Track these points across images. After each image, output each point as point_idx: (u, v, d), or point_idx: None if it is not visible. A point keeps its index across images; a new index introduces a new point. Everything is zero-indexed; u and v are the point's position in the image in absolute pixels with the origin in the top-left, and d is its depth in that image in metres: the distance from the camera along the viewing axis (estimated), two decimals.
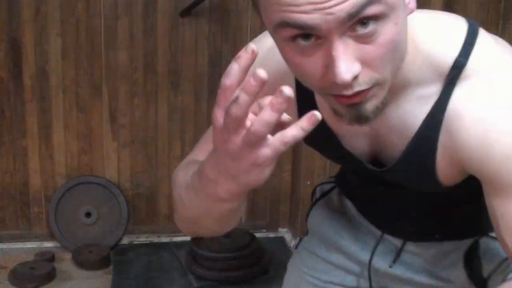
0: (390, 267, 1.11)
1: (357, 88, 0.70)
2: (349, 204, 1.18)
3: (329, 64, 0.67)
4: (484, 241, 1.00)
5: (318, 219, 1.24)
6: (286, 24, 0.66)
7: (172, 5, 2.64)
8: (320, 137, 0.89)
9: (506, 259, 0.96)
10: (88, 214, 2.77)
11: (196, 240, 2.54)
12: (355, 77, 0.68)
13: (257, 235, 2.68)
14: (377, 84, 0.72)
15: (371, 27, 0.67)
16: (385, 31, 0.68)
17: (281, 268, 2.55)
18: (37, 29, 2.59)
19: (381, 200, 1.08)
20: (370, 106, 0.73)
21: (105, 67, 2.68)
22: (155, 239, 2.87)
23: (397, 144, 0.86)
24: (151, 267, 2.58)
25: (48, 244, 2.78)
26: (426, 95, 0.81)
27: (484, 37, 0.82)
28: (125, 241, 2.83)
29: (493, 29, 2.84)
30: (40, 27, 2.59)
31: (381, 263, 1.13)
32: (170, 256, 2.68)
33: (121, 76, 2.70)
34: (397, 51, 0.71)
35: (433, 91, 0.81)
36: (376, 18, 0.66)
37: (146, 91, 2.74)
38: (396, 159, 0.87)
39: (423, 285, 1.10)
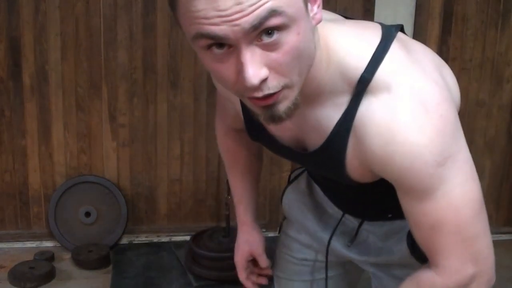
0: (348, 246, 1.23)
1: (266, 91, 0.78)
2: (316, 187, 1.31)
3: (240, 70, 0.76)
4: None
5: (289, 202, 1.38)
6: (200, 35, 0.75)
7: None
8: (260, 134, 1.07)
9: None
10: (87, 214, 2.77)
11: (196, 239, 2.54)
12: (264, 81, 0.77)
13: None
14: (286, 87, 0.80)
15: (275, 36, 0.75)
16: (288, 40, 0.76)
17: None
18: (37, 29, 2.59)
19: (333, 186, 1.20)
20: (282, 107, 0.82)
21: (104, 67, 2.68)
22: (154, 238, 2.87)
23: (316, 140, 0.96)
24: (150, 267, 2.58)
25: (48, 244, 2.78)
26: (338, 103, 0.90)
27: (394, 51, 0.87)
28: (124, 240, 2.83)
29: (492, 28, 2.84)
30: (39, 26, 2.59)
31: (339, 244, 1.25)
32: (169, 255, 2.68)
33: (121, 75, 2.70)
34: (301, 57, 0.79)
35: (344, 100, 0.89)
36: (278, 28, 0.74)
37: (145, 91, 2.74)
38: (315, 149, 0.98)
39: (373, 263, 1.22)
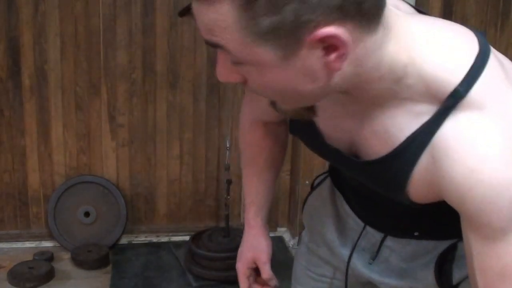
0: (370, 263, 1.11)
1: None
2: (339, 195, 1.19)
3: None
4: (462, 246, 0.96)
5: (310, 211, 1.26)
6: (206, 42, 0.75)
7: (171, 4, 2.64)
8: (304, 128, 0.95)
9: None
10: (86, 214, 2.76)
11: (195, 239, 2.54)
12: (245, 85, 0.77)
13: None
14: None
15: (239, 67, 0.73)
16: (251, 77, 0.73)
17: (280, 267, 2.54)
18: (36, 29, 2.59)
19: (364, 194, 1.07)
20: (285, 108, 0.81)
21: (103, 67, 2.68)
22: (154, 238, 2.87)
23: (377, 148, 0.85)
24: (149, 267, 2.58)
25: (47, 244, 2.78)
26: (417, 111, 0.79)
27: (493, 67, 0.78)
28: (124, 240, 2.82)
29: (492, 28, 2.84)
30: (39, 26, 2.59)
31: (359, 261, 1.14)
32: (169, 255, 2.68)
33: (120, 75, 2.70)
34: (275, 93, 0.76)
35: (425, 110, 0.79)
36: (236, 64, 0.72)
37: (144, 91, 2.74)
38: (375, 159, 0.87)
39: (394, 286, 1.10)
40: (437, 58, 0.78)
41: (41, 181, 2.75)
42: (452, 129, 0.76)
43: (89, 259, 2.61)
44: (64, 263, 2.65)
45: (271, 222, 2.93)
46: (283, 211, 2.96)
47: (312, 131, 0.94)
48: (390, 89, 0.78)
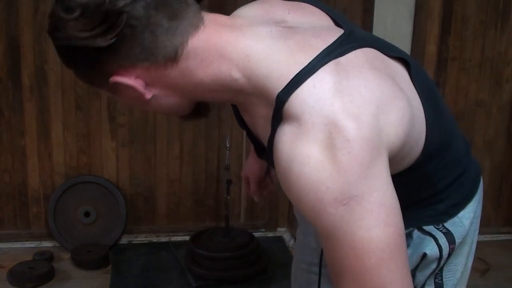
0: None
1: None
2: None
3: None
4: (416, 234, 1.01)
5: None
6: None
7: None
8: (240, 122, 1.04)
9: (425, 255, 1.00)
10: (86, 214, 2.76)
11: (195, 239, 2.54)
12: None
13: (256, 234, 2.68)
14: None
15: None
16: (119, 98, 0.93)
17: (280, 268, 2.56)
18: (36, 29, 2.59)
19: None
20: None
21: None
22: (154, 238, 2.87)
23: (263, 143, 0.94)
24: (150, 267, 2.58)
25: (47, 244, 2.78)
26: (265, 116, 0.87)
27: (322, 74, 0.81)
28: (123, 240, 2.82)
29: (492, 28, 2.84)
30: (39, 26, 2.59)
31: None
32: (169, 255, 2.68)
33: None
34: (147, 107, 0.92)
35: (269, 116, 0.86)
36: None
37: None
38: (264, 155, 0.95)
39: None
40: (270, 68, 0.84)
41: (41, 181, 2.75)
42: (277, 137, 0.83)
43: (89, 259, 2.61)
44: (64, 263, 2.65)
45: (271, 223, 2.96)
46: (282, 211, 2.96)
47: (244, 125, 1.03)
48: (238, 100, 0.91)
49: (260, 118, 0.90)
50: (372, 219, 0.77)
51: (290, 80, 0.82)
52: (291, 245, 2.84)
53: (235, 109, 1.05)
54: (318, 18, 0.96)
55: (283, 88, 0.82)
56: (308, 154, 0.78)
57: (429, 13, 2.79)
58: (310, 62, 0.82)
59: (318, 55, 0.83)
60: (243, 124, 1.03)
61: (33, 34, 2.59)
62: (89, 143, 2.76)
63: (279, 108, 0.82)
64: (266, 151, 0.90)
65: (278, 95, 0.82)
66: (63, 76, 2.66)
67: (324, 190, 0.77)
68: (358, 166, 0.76)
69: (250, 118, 0.95)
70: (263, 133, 0.91)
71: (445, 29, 2.82)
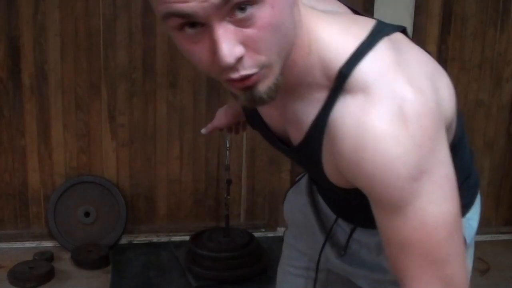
0: (341, 255, 1.15)
1: (243, 71, 0.73)
2: (314, 188, 1.23)
3: (214, 49, 0.71)
4: None
5: (289, 206, 1.31)
6: (170, 14, 0.70)
7: None
8: (256, 121, 1.00)
9: None
10: (87, 214, 2.76)
11: (195, 239, 2.54)
12: (240, 60, 0.72)
13: (256, 234, 2.68)
14: (264, 67, 0.74)
15: (248, 11, 0.70)
16: (263, 15, 0.70)
17: None
18: (36, 29, 2.59)
19: (321, 186, 1.12)
20: (262, 87, 0.76)
21: (104, 67, 2.68)
22: (154, 238, 2.87)
23: (296, 135, 0.90)
24: (150, 267, 2.58)
25: (47, 244, 2.78)
26: (316, 98, 0.84)
27: (381, 49, 0.80)
28: (124, 240, 2.83)
29: (492, 28, 2.85)
30: (39, 26, 2.59)
31: (333, 252, 1.18)
32: (169, 255, 2.68)
33: (120, 75, 2.70)
34: (278, 33, 0.73)
35: (322, 95, 0.83)
36: (251, 2, 0.69)
37: (145, 91, 2.74)
38: (295, 145, 0.92)
39: (365, 277, 1.13)
40: (329, 36, 0.82)
41: (41, 181, 2.75)
42: (339, 111, 0.80)
43: (89, 259, 2.61)
44: (64, 263, 2.65)
45: (270, 223, 2.96)
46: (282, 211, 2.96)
47: (262, 123, 0.99)
48: (298, 74, 0.83)
49: (303, 101, 0.86)
50: (441, 193, 0.78)
51: (352, 54, 0.80)
52: None
53: (251, 113, 1.01)
54: (343, 8, 0.96)
55: (346, 62, 0.80)
56: (381, 128, 0.75)
57: (429, 13, 2.79)
58: (367, 37, 0.81)
59: (371, 30, 0.82)
60: (259, 124, 1.00)
61: (33, 34, 2.60)
62: (89, 143, 2.76)
63: (341, 82, 0.80)
64: (306, 137, 0.87)
65: (340, 69, 0.80)
66: (63, 76, 2.66)
67: (400, 166, 0.75)
68: (429, 140, 0.76)
69: (280, 109, 0.91)
70: (302, 119, 0.87)
71: (445, 29, 2.83)
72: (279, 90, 0.78)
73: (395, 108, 0.76)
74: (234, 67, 0.72)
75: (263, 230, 2.96)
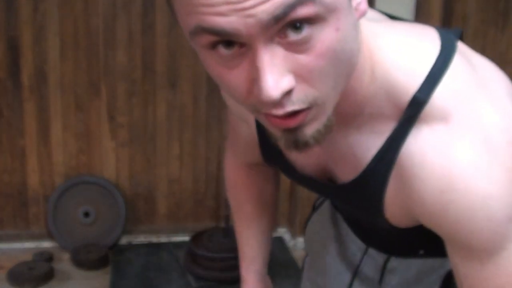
0: None
1: (290, 107, 0.58)
2: (339, 216, 1.09)
3: (255, 77, 0.56)
4: None
5: (310, 237, 1.18)
6: (201, 30, 0.55)
7: None
8: (277, 160, 0.86)
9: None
10: (86, 214, 2.76)
11: (195, 240, 2.54)
12: (287, 94, 0.57)
13: None
14: (315, 104, 0.60)
15: (305, 32, 0.55)
16: (323, 38, 0.56)
17: (280, 268, 2.56)
18: (36, 28, 2.59)
19: (355, 218, 1.01)
20: (309, 130, 0.61)
21: (103, 67, 2.68)
22: (153, 239, 2.87)
23: (348, 172, 0.77)
24: (149, 267, 2.58)
25: (46, 244, 2.78)
26: (379, 130, 0.70)
27: (457, 68, 0.67)
28: (123, 241, 2.82)
29: (492, 28, 2.84)
30: (38, 26, 2.59)
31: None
32: (168, 256, 2.68)
33: (120, 75, 2.70)
34: (340, 62, 0.59)
35: (387, 127, 0.70)
36: (310, 21, 0.55)
37: (144, 91, 2.73)
38: (345, 183, 0.79)
39: None
40: (395, 57, 0.68)
41: (40, 181, 2.75)
42: (415, 144, 0.67)
43: (88, 259, 2.61)
44: (63, 263, 2.65)
45: None
46: (283, 211, 2.96)
47: (283, 161, 0.85)
48: (356, 103, 0.70)
49: (361, 133, 0.73)
50: None
51: (426, 77, 0.66)
52: (291, 246, 2.84)
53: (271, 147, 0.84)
54: (377, 14, 0.81)
55: (420, 87, 0.66)
56: (471, 162, 0.64)
57: (429, 13, 2.79)
58: (439, 54, 0.67)
59: (441, 45, 0.69)
60: (293, 173, 0.86)
61: (33, 34, 2.59)
62: (88, 143, 2.75)
63: (415, 111, 0.66)
64: (366, 173, 0.73)
65: (414, 96, 0.66)
66: (63, 76, 2.66)
67: (495, 206, 0.64)
68: None
69: (325, 144, 0.72)
70: (358, 154, 0.74)
71: None
72: (328, 132, 0.63)
73: (483, 138, 0.64)
74: (279, 101, 0.57)
75: None
